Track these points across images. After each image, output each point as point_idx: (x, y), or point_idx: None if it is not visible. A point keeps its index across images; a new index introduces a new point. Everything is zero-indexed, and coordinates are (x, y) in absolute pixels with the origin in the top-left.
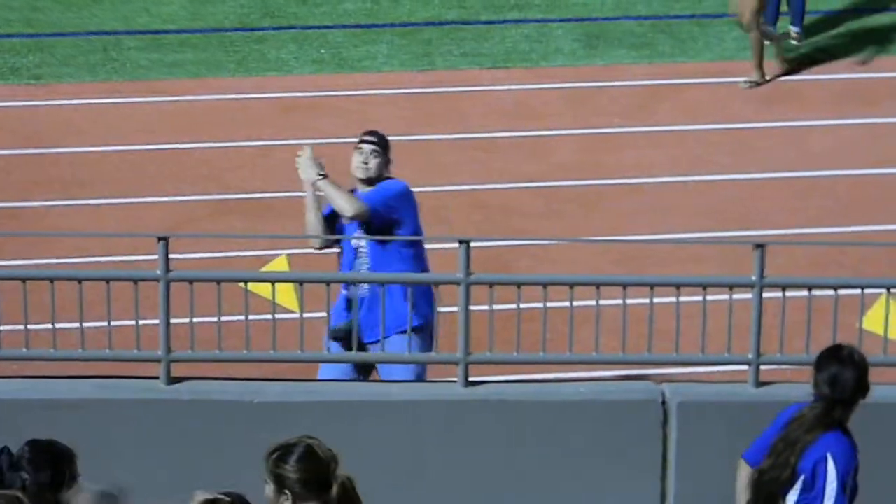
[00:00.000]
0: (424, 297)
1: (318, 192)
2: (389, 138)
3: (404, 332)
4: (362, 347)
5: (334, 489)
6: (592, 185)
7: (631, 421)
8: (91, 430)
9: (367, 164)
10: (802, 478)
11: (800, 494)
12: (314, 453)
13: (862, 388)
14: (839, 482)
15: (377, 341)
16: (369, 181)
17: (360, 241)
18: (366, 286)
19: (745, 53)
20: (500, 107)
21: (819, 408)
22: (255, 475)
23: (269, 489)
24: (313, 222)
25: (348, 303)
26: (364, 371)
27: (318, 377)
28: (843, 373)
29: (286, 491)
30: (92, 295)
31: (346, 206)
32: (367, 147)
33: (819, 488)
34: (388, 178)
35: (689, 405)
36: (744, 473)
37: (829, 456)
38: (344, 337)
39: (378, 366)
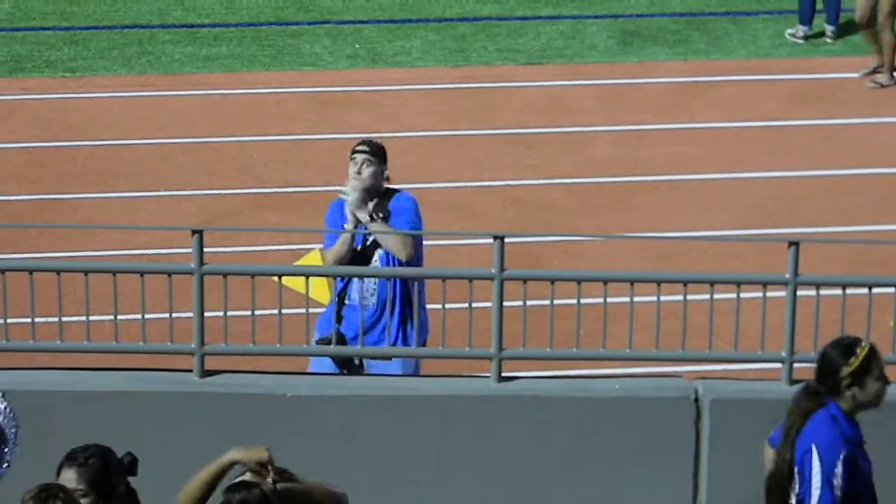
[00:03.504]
0: (425, 318)
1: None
2: (423, 134)
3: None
4: (351, 360)
5: None
6: (626, 181)
7: (663, 418)
8: (123, 422)
9: (359, 174)
10: (797, 471)
11: (799, 489)
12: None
13: (853, 374)
14: (823, 475)
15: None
16: (365, 191)
17: (373, 261)
18: (372, 301)
19: (780, 51)
20: (534, 103)
21: (803, 389)
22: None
23: None
24: (344, 255)
25: (337, 314)
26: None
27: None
28: (828, 354)
29: None
30: (126, 287)
31: (401, 251)
32: (359, 157)
33: (807, 482)
34: (391, 188)
35: (722, 402)
36: (769, 456)
37: (813, 447)
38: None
39: (369, 363)
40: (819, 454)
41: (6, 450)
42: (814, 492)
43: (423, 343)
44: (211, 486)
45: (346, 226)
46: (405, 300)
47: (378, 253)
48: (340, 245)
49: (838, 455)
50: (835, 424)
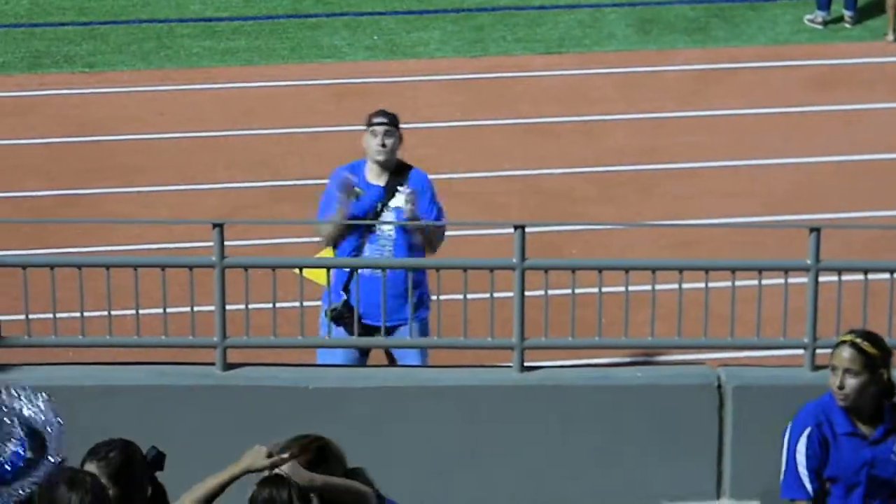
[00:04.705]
0: (427, 288)
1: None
2: (442, 124)
3: (422, 319)
4: (368, 328)
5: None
6: (646, 169)
7: (687, 405)
8: (146, 416)
9: (384, 145)
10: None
11: None
12: (327, 451)
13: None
14: (788, 449)
15: (400, 325)
16: (388, 163)
17: (385, 228)
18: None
19: (799, 37)
20: (553, 92)
21: None
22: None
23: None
24: (336, 238)
25: (348, 279)
26: (366, 353)
27: (318, 361)
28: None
29: (312, 494)
30: (147, 282)
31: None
32: (379, 129)
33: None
34: (405, 164)
35: (745, 389)
36: None
37: (790, 423)
38: (341, 316)
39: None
40: (791, 429)
41: (50, 449)
42: (782, 465)
43: (426, 312)
44: (216, 495)
45: (339, 201)
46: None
47: (390, 217)
48: (335, 228)
49: (803, 430)
50: (818, 405)
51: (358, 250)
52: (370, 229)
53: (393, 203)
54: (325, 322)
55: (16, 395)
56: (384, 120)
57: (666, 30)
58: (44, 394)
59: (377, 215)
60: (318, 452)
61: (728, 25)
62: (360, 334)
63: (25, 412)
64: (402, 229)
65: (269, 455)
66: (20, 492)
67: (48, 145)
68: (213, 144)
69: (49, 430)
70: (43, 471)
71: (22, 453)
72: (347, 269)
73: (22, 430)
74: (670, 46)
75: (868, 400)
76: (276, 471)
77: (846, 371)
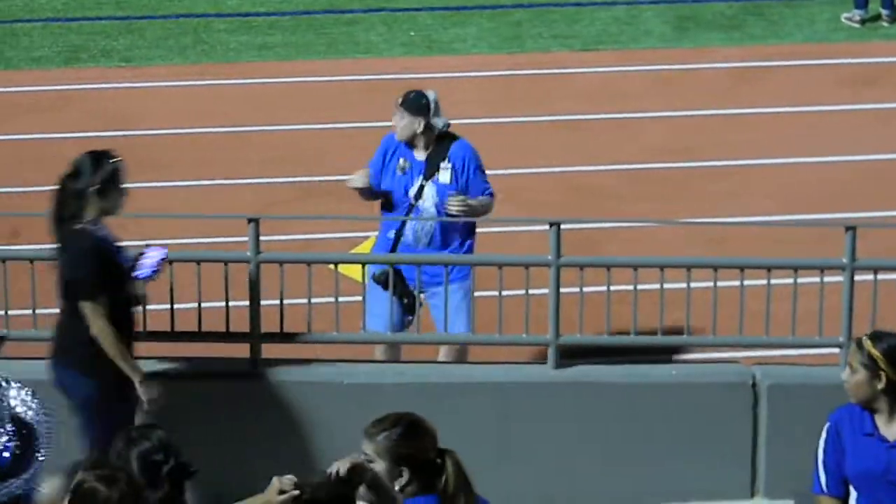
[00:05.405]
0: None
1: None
2: (478, 121)
3: (463, 278)
4: (408, 288)
5: (448, 464)
6: (682, 167)
7: (721, 403)
8: (181, 411)
9: (396, 126)
10: None
11: None
12: (421, 427)
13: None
14: (817, 455)
15: (440, 284)
16: (405, 141)
17: (426, 201)
18: (427, 234)
19: (837, 35)
20: (590, 89)
21: None
22: (344, 456)
23: (379, 466)
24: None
25: (392, 247)
26: (411, 311)
27: (367, 323)
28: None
29: (403, 467)
30: (182, 276)
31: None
32: (395, 110)
33: None
34: (451, 136)
35: (780, 388)
36: None
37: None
38: (387, 280)
39: (435, 313)
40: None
41: (39, 445)
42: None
43: (466, 274)
44: None
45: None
46: (456, 240)
47: (431, 191)
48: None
49: (825, 425)
50: (850, 405)
51: (402, 224)
52: (415, 201)
53: (435, 178)
54: (369, 283)
55: (8, 390)
56: (398, 101)
57: (702, 27)
58: (34, 392)
59: (421, 188)
60: (410, 427)
61: (765, 23)
62: (402, 295)
63: (17, 409)
64: (443, 203)
65: (282, 492)
66: (10, 489)
67: (84, 139)
68: (248, 139)
69: (39, 427)
70: (32, 469)
71: (11, 448)
72: (392, 236)
73: (11, 425)
74: (707, 44)
75: (881, 401)
76: (359, 460)
77: (848, 364)
